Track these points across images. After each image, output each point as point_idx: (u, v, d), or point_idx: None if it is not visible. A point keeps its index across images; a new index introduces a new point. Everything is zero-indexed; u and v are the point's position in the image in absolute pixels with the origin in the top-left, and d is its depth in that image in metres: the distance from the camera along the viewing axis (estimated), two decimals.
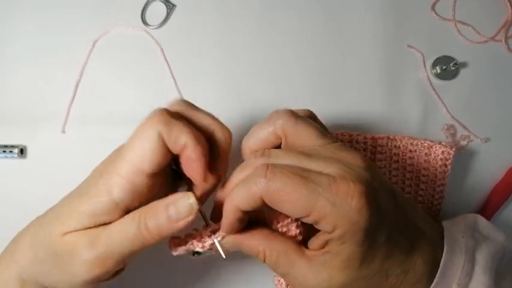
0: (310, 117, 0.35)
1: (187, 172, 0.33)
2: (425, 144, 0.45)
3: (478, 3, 0.49)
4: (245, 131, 0.47)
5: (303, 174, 0.29)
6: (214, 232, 0.33)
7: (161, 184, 0.33)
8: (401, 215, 0.32)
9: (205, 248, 0.33)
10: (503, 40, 0.49)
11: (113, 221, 0.32)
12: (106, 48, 0.49)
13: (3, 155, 0.47)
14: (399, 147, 0.45)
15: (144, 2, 0.50)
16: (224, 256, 0.33)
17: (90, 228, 0.32)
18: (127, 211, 0.32)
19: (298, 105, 0.48)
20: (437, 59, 0.48)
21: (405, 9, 0.49)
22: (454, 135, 0.48)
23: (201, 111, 0.34)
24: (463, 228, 0.36)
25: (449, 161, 0.44)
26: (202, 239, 0.33)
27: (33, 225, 0.36)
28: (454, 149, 0.44)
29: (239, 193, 0.30)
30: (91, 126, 0.48)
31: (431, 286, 0.32)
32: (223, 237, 0.33)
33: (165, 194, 0.32)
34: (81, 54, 0.49)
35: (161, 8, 0.49)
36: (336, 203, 0.28)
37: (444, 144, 0.45)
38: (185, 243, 0.34)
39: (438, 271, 0.32)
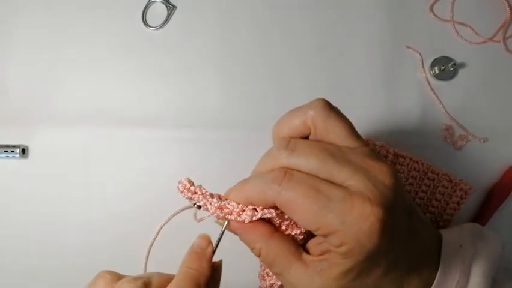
0: None
1: None
2: (446, 176, 0.44)
3: (476, 4, 0.49)
4: (245, 131, 0.48)
5: (318, 187, 0.28)
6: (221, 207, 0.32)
7: None
8: (410, 237, 0.31)
9: (207, 207, 0.32)
10: (501, 41, 0.49)
11: None
12: (107, 49, 0.50)
13: (4, 155, 0.47)
14: (419, 171, 0.44)
15: (145, 3, 0.50)
16: (223, 228, 0.33)
17: None
18: None
19: (298, 106, 0.48)
20: (436, 59, 0.49)
21: (404, 10, 0.49)
22: (452, 135, 0.48)
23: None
24: (462, 237, 0.36)
25: (464, 200, 0.44)
26: (209, 201, 0.32)
27: None
28: (471, 190, 0.45)
29: (253, 189, 0.30)
30: (92, 126, 0.48)
31: None
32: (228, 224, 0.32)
33: None
34: (82, 55, 0.49)
35: (162, 9, 0.50)
36: (346, 221, 0.27)
37: (464, 182, 0.45)
38: (193, 194, 0.32)
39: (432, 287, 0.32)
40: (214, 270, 0.33)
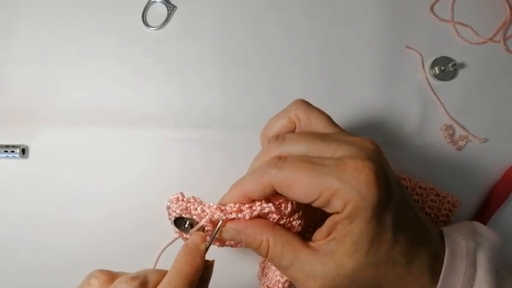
0: None
1: None
2: (433, 191, 0.44)
3: (476, 4, 0.49)
4: (245, 131, 0.48)
5: (311, 160, 0.30)
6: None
7: None
8: (406, 204, 0.32)
9: (202, 218, 0.32)
10: (501, 41, 0.49)
11: None
12: (107, 49, 0.49)
13: (4, 155, 0.47)
14: (407, 187, 0.44)
15: (145, 3, 0.50)
16: (219, 226, 0.33)
17: None
18: None
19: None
20: (436, 59, 0.49)
21: (404, 10, 0.49)
22: (452, 135, 0.48)
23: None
24: (462, 231, 0.36)
25: (452, 213, 0.44)
26: (204, 211, 0.32)
27: None
28: (459, 202, 0.44)
29: (250, 181, 0.32)
30: (92, 126, 0.48)
31: None
32: (224, 222, 0.32)
33: None
34: (82, 55, 0.49)
35: (162, 9, 0.50)
36: (344, 179, 0.29)
37: (451, 195, 0.45)
38: (188, 203, 0.33)
39: (440, 280, 0.32)
40: (206, 269, 0.33)
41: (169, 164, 0.48)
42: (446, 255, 0.33)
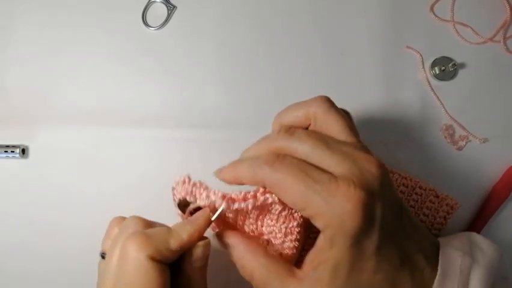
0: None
1: None
2: (433, 192, 0.44)
3: (476, 4, 0.49)
4: (246, 131, 0.48)
5: (307, 171, 0.30)
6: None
7: None
8: (400, 234, 0.32)
9: (206, 203, 0.32)
10: (501, 41, 0.49)
11: None
12: (107, 49, 0.50)
13: (4, 155, 0.47)
14: (408, 186, 0.44)
15: (145, 3, 0.50)
16: (220, 209, 0.32)
17: None
18: None
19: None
20: (436, 59, 0.49)
21: (404, 10, 0.49)
22: (452, 135, 0.48)
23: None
24: (460, 245, 0.35)
25: (450, 215, 0.44)
26: (212, 191, 0.33)
27: None
28: (458, 205, 0.44)
29: (245, 169, 0.32)
30: (92, 126, 0.48)
31: None
32: (224, 212, 0.32)
33: None
34: (82, 55, 0.49)
35: (162, 9, 0.50)
36: (330, 203, 0.28)
37: (450, 198, 0.45)
38: (194, 186, 0.33)
39: None
40: (204, 246, 0.33)
41: (169, 164, 0.48)
42: (437, 275, 0.32)
